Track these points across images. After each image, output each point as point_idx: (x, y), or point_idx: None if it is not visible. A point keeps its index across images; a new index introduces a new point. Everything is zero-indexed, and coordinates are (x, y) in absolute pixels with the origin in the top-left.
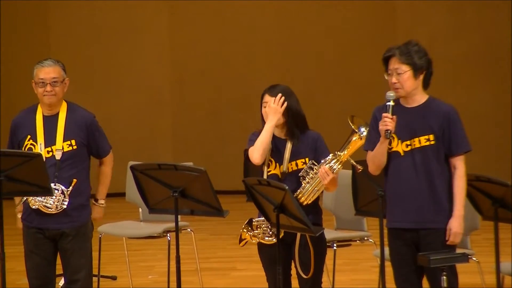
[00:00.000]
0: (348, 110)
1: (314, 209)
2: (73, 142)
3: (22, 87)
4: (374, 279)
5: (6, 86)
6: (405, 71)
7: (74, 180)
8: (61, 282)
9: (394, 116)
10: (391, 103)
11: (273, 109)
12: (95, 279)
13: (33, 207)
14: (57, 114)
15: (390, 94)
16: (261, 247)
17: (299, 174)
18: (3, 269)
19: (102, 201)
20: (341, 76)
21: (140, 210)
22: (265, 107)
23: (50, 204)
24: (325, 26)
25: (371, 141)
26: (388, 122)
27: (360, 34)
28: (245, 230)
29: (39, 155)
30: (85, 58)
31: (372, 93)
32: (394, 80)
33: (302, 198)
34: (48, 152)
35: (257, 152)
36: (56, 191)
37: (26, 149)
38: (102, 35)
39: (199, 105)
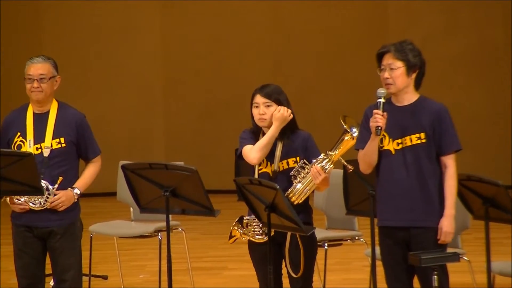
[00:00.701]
0: (343, 110)
1: (305, 208)
2: (62, 140)
3: (22, 87)
4: (366, 279)
5: (6, 86)
6: (399, 67)
7: (60, 177)
8: (52, 282)
9: (385, 113)
10: (382, 100)
11: (284, 117)
12: (86, 278)
13: (16, 200)
14: (48, 112)
15: (381, 91)
16: (252, 246)
17: (290, 174)
18: None
19: (77, 190)
20: (336, 76)
21: (131, 209)
22: (256, 107)
23: (33, 199)
24: (320, 26)
25: (363, 140)
26: (378, 118)
27: (354, 34)
28: (235, 228)
29: (31, 154)
30: (79, 58)
31: (366, 93)
32: (386, 75)
33: (293, 197)
34: (37, 149)
35: (257, 153)
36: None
37: (15, 146)
38: (97, 36)
39: (192, 105)
